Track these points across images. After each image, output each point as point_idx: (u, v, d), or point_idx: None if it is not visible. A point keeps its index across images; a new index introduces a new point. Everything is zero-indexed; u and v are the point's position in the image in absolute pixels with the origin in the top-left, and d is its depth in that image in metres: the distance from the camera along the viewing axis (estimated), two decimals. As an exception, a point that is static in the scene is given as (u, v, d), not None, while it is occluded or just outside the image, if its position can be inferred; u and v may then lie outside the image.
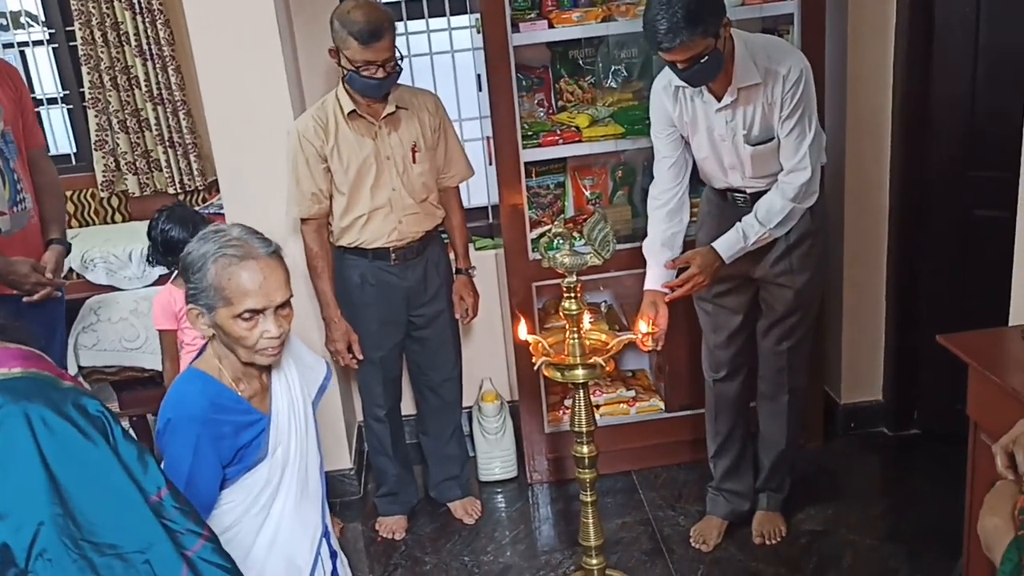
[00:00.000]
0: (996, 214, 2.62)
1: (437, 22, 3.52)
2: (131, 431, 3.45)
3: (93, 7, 3.81)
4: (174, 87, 3.88)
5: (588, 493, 2.53)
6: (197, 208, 3.67)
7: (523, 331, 2.46)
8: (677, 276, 2.59)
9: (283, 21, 2.99)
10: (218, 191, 3.43)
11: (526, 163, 3.04)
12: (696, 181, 2.76)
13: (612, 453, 3.18)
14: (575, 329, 2.37)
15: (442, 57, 3.57)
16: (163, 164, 4.01)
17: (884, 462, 3.37)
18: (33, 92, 4.18)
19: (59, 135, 4.30)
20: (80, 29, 3.84)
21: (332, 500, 2.93)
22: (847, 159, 3.20)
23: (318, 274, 2.85)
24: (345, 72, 2.67)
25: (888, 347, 3.38)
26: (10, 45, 4.06)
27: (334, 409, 3.24)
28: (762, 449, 2.96)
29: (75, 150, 4.21)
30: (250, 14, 2.84)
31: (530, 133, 3.04)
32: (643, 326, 2.53)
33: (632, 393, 3.38)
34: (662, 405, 3.33)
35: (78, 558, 1.17)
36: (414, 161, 2.81)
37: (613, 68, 3.20)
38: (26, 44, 4.09)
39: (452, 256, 3.07)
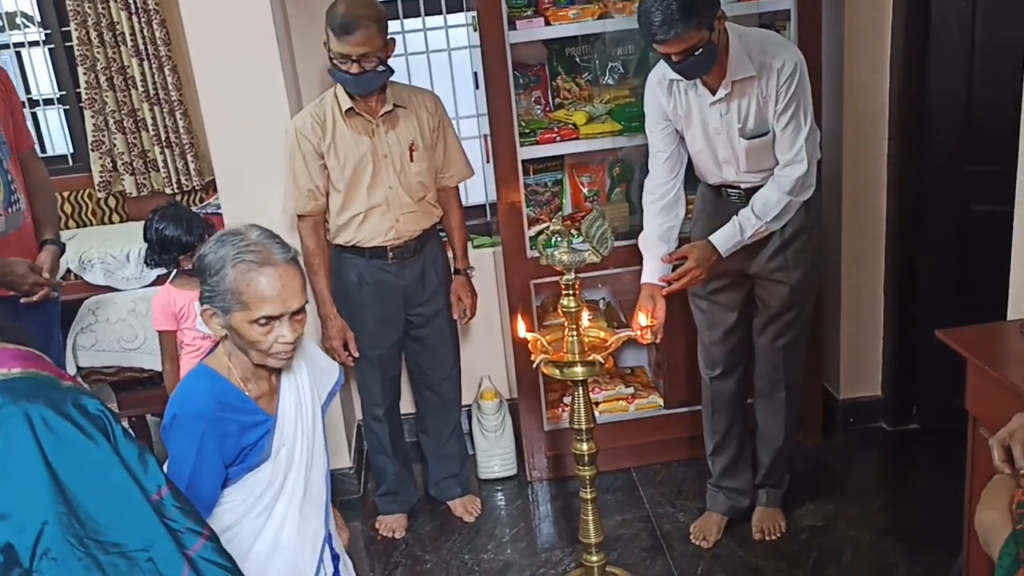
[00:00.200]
0: (993, 208, 2.62)
1: (434, 20, 3.52)
2: (130, 431, 3.45)
3: (89, 7, 3.80)
4: (170, 87, 3.88)
5: (588, 490, 2.53)
6: (194, 208, 3.67)
7: (522, 329, 2.46)
8: (674, 270, 2.59)
9: (279, 20, 2.98)
10: (215, 191, 3.43)
11: (523, 161, 3.04)
12: (691, 178, 2.76)
13: (611, 450, 3.18)
14: (574, 326, 2.37)
15: (439, 55, 3.56)
16: (160, 164, 4.00)
17: (883, 457, 3.38)
18: (29, 93, 4.17)
19: (56, 136, 4.29)
20: (76, 29, 3.83)
21: (331, 499, 2.92)
22: (845, 155, 3.20)
23: (314, 271, 2.85)
24: (331, 65, 2.68)
25: (887, 342, 3.38)
26: (6, 46, 4.05)
27: (334, 408, 3.24)
28: (760, 446, 2.96)
29: (72, 151, 4.21)
30: (246, 13, 2.84)
31: (527, 131, 3.04)
32: (642, 319, 2.53)
33: (631, 390, 3.38)
34: (661, 402, 3.33)
35: (83, 556, 1.16)
36: (411, 160, 2.80)
37: (610, 65, 3.20)
38: (22, 45, 4.08)
39: (451, 256, 3.07)
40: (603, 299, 3.49)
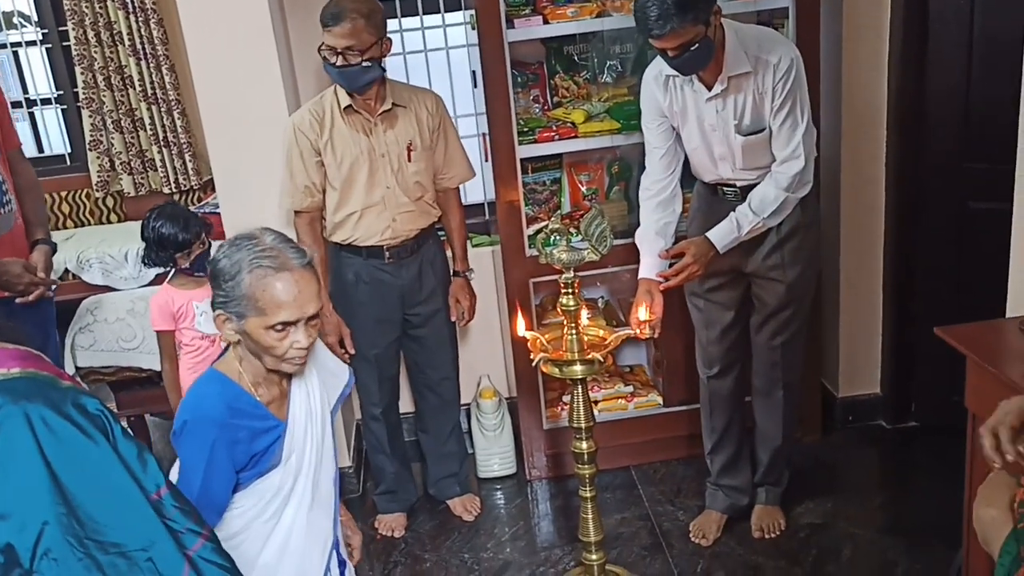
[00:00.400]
0: (992, 206, 2.62)
1: (432, 19, 3.52)
2: (129, 431, 3.45)
3: (86, 7, 3.79)
4: (168, 86, 3.87)
5: (587, 489, 2.54)
6: (192, 207, 3.66)
7: (521, 327, 2.46)
8: (671, 267, 2.59)
9: (277, 19, 2.98)
10: (213, 190, 3.43)
11: (522, 159, 3.04)
12: (688, 176, 2.76)
13: (611, 448, 3.18)
14: (573, 325, 2.37)
15: (437, 54, 3.56)
16: (158, 164, 4.00)
17: (882, 455, 3.38)
18: (27, 93, 4.17)
19: (53, 136, 4.28)
20: (73, 29, 3.83)
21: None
22: (843, 153, 3.21)
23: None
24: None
25: (885, 340, 3.38)
26: (3, 46, 4.04)
27: (332, 407, 3.23)
28: (759, 444, 2.96)
29: (70, 150, 4.20)
30: (244, 12, 2.83)
31: (526, 129, 3.03)
32: (642, 313, 2.53)
33: (630, 388, 3.38)
34: (660, 400, 3.33)
35: (83, 556, 1.16)
36: (409, 160, 2.80)
37: (608, 63, 3.20)
38: (19, 44, 4.08)
39: (450, 256, 3.06)
40: (602, 297, 3.49)
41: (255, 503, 1.73)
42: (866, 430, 3.46)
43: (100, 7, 3.80)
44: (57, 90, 4.12)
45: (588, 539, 2.59)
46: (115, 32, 3.84)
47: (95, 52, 3.86)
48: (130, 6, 3.78)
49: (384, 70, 2.71)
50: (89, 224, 4.12)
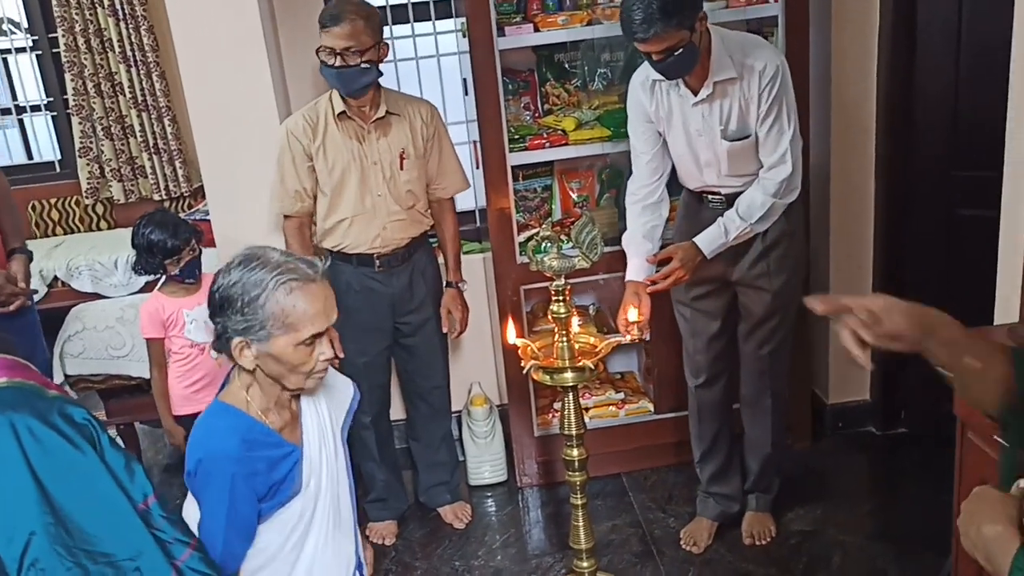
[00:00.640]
0: (980, 213, 2.64)
1: (423, 26, 3.52)
2: (118, 439, 3.44)
3: (76, 14, 3.79)
4: (158, 93, 3.87)
5: (578, 496, 2.53)
6: (182, 214, 3.66)
7: (512, 335, 2.46)
8: (658, 271, 2.59)
9: (268, 26, 2.98)
10: (203, 197, 3.42)
11: (513, 166, 3.04)
12: (674, 185, 2.77)
13: (601, 455, 3.18)
14: (564, 332, 2.37)
15: (428, 61, 3.57)
16: (148, 171, 4.00)
17: (872, 462, 3.39)
18: (16, 99, 4.16)
19: (43, 142, 4.28)
20: (63, 36, 3.82)
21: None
22: (832, 160, 3.22)
23: None
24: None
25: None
26: (-8, 52, 4.04)
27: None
28: (748, 452, 2.96)
29: (59, 157, 4.19)
30: (235, 20, 2.84)
31: (516, 137, 3.04)
32: (631, 314, 2.54)
33: (621, 395, 3.38)
34: (651, 407, 3.34)
35: (73, 566, 1.16)
36: (401, 168, 2.80)
37: (599, 71, 3.21)
38: (9, 51, 4.07)
39: (443, 266, 3.06)
40: (593, 304, 3.49)
41: (278, 534, 1.67)
42: (856, 437, 3.46)
43: (90, 14, 3.81)
44: (47, 97, 4.11)
45: (579, 546, 2.58)
46: (105, 39, 3.84)
47: (85, 59, 3.86)
48: (120, 13, 3.78)
49: (381, 74, 2.72)
50: (78, 231, 4.12)
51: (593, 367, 2.36)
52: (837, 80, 3.15)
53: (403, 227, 2.85)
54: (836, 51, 3.12)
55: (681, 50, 2.31)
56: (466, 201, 3.59)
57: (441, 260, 3.06)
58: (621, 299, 2.61)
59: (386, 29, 3.37)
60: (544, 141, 3.04)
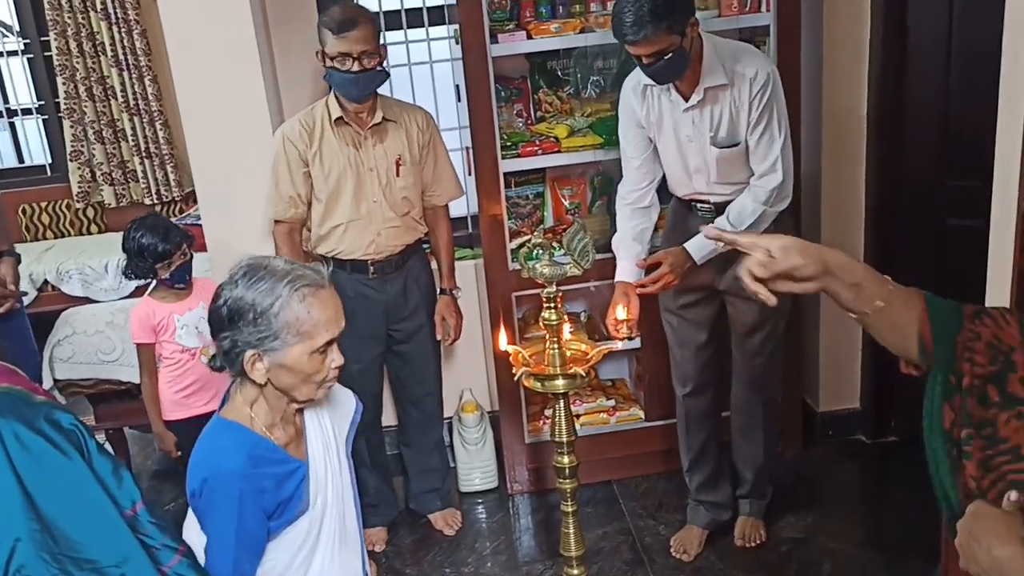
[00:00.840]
0: (969, 223, 2.65)
1: (416, 33, 3.53)
2: (107, 444, 3.42)
3: (68, 17, 3.78)
4: (150, 97, 3.87)
5: (569, 503, 2.53)
6: (174, 219, 3.65)
7: (503, 341, 2.45)
8: (647, 275, 2.60)
9: (261, 32, 2.98)
10: (195, 201, 3.41)
11: (505, 173, 3.04)
12: (663, 193, 2.77)
13: (592, 463, 3.18)
14: (555, 339, 2.37)
15: (421, 68, 3.57)
16: (139, 175, 3.99)
17: (862, 469, 3.40)
18: (7, 103, 4.14)
19: (34, 146, 4.26)
20: (55, 39, 3.81)
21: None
22: (823, 169, 3.23)
23: None
24: (326, 71, 2.67)
25: (865, 355, 3.41)
26: (-16, 55, 4.02)
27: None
28: (739, 460, 2.97)
29: (50, 161, 4.18)
30: (227, 24, 2.83)
31: (509, 143, 3.04)
32: (620, 312, 2.54)
33: (612, 403, 3.38)
34: (642, 414, 3.34)
35: (58, 573, 1.15)
36: (397, 175, 2.80)
37: (591, 79, 3.22)
38: (0, 55, 4.06)
39: (437, 274, 3.06)
40: (584, 312, 3.50)
41: (285, 552, 1.64)
42: (846, 444, 3.47)
43: (83, 18, 3.80)
44: (38, 100, 4.10)
45: (569, 553, 2.57)
46: (98, 43, 3.83)
47: (77, 63, 3.85)
48: (113, 17, 3.78)
49: (388, 74, 2.72)
50: (69, 235, 4.10)
51: (584, 374, 2.36)
52: (828, 88, 3.16)
53: (398, 234, 2.85)
54: (828, 60, 3.13)
55: (671, 54, 2.33)
56: (458, 207, 3.59)
57: (434, 266, 3.06)
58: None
59: (379, 35, 3.38)
60: (536, 148, 3.04)
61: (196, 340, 2.76)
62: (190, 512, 1.64)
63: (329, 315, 1.58)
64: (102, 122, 3.89)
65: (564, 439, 2.46)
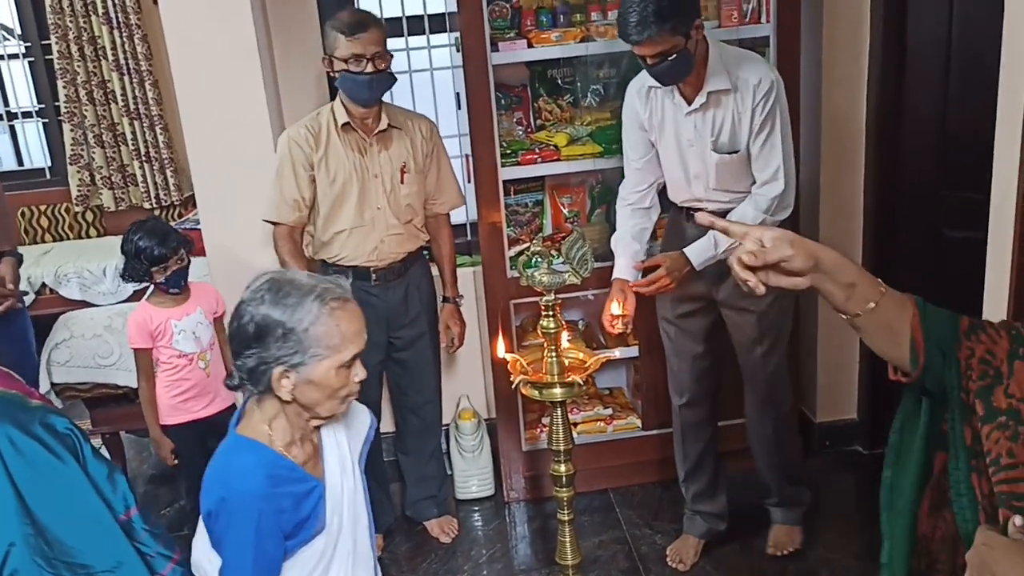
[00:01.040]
0: (967, 234, 2.66)
1: (417, 40, 3.54)
2: (103, 449, 3.41)
3: (70, 21, 3.79)
4: (151, 102, 3.87)
5: (565, 512, 2.53)
6: (173, 223, 3.65)
7: (501, 349, 2.45)
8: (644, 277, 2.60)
9: (262, 37, 2.98)
10: (194, 206, 3.42)
11: (505, 181, 3.05)
12: (663, 199, 2.77)
13: (589, 471, 3.17)
14: (553, 347, 2.37)
15: (421, 75, 3.58)
16: (139, 179, 3.99)
17: (859, 480, 3.39)
18: (8, 106, 4.15)
19: (34, 149, 4.26)
20: (57, 43, 3.82)
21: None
22: (822, 179, 3.24)
23: (287, 266, 2.76)
24: (336, 76, 2.67)
25: (862, 366, 3.41)
26: (-15, 58, 4.03)
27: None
28: (761, 469, 2.92)
29: (50, 164, 4.18)
30: (229, 29, 2.84)
31: (509, 151, 3.05)
32: (615, 307, 2.54)
33: (609, 411, 3.38)
34: (639, 423, 3.34)
35: None
36: (402, 182, 2.81)
37: (592, 87, 3.22)
38: (1, 57, 4.06)
39: (441, 282, 3.06)
40: (582, 320, 3.50)
41: (299, 573, 1.62)
42: (843, 455, 3.47)
43: (84, 22, 3.80)
44: (39, 103, 4.11)
45: (565, 562, 2.57)
46: (99, 47, 3.84)
47: (78, 66, 3.85)
48: (114, 21, 3.78)
49: (396, 79, 2.74)
50: (67, 239, 4.10)
51: (582, 382, 2.36)
52: (827, 98, 3.17)
53: (400, 241, 2.85)
54: (827, 70, 3.14)
55: (675, 55, 2.33)
56: (457, 215, 3.58)
57: (434, 273, 3.06)
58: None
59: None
60: (536, 156, 3.05)
61: (193, 345, 2.76)
62: (200, 529, 1.60)
63: (356, 328, 1.57)
64: (102, 126, 3.89)
65: (561, 447, 2.46)
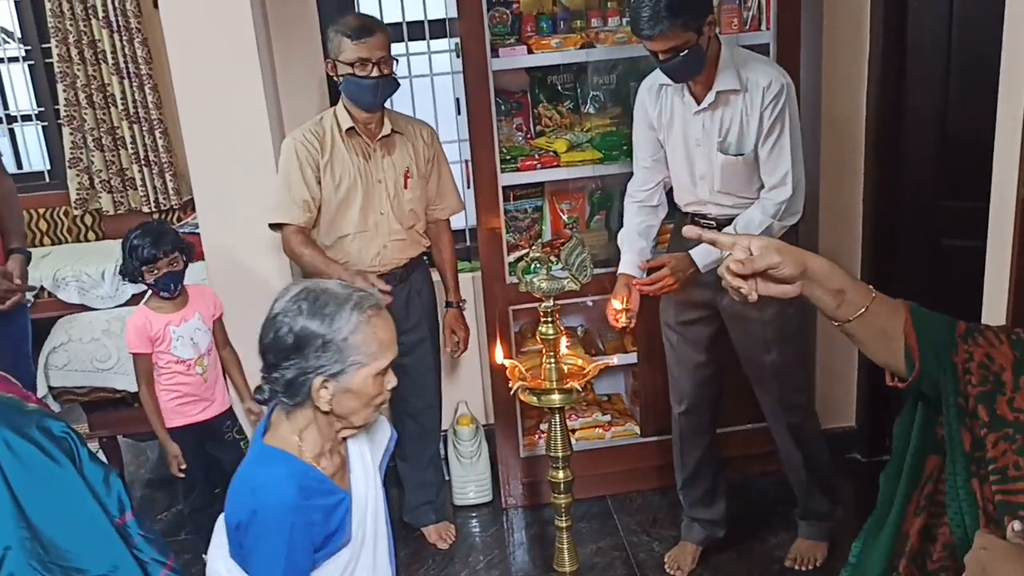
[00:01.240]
0: (966, 243, 2.65)
1: (417, 45, 3.54)
2: (100, 453, 3.41)
3: (70, 24, 3.79)
4: (150, 105, 3.86)
5: (563, 518, 2.52)
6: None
7: (500, 355, 2.45)
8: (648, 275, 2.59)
9: (262, 41, 2.98)
10: (193, 210, 3.41)
11: (504, 187, 3.05)
12: (668, 206, 2.77)
13: (587, 478, 3.17)
14: (552, 353, 2.36)
15: (421, 80, 3.58)
16: (138, 183, 3.98)
17: (858, 488, 3.38)
18: (7, 109, 4.14)
19: (33, 152, 4.26)
20: (56, 46, 3.82)
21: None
22: (821, 187, 3.24)
23: (309, 257, 2.70)
24: (341, 79, 2.67)
25: (861, 374, 3.40)
26: (-15, 61, 4.03)
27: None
28: (790, 477, 2.91)
29: (49, 167, 4.18)
30: (229, 34, 2.84)
31: (508, 157, 3.05)
32: (616, 303, 2.53)
33: (608, 417, 3.38)
34: (637, 430, 3.33)
35: None
36: (406, 187, 2.81)
37: (591, 94, 3.23)
38: (1, 61, 4.06)
39: (443, 289, 3.06)
40: (581, 326, 3.49)
41: None
42: (842, 463, 3.45)
43: (84, 25, 3.80)
44: (38, 107, 4.10)
45: (563, 569, 2.57)
46: (98, 50, 3.84)
47: (78, 70, 3.85)
48: (114, 25, 3.78)
49: (400, 84, 2.75)
50: (66, 242, 4.09)
51: (580, 389, 2.36)
52: (827, 109, 3.17)
53: (403, 247, 2.85)
54: (826, 78, 3.14)
55: (687, 51, 2.33)
56: (456, 220, 3.59)
57: (435, 279, 3.06)
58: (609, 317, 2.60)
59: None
60: (536, 162, 3.05)
61: (191, 351, 2.75)
62: (217, 538, 1.59)
63: (391, 336, 1.59)
64: (101, 129, 3.89)
65: (559, 454, 2.45)
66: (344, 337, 1.53)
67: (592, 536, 3.14)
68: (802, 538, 2.94)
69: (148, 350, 2.72)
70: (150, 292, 2.76)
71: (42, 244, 4.05)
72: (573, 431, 3.25)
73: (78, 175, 3.97)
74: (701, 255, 2.53)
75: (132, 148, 3.94)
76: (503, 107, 3.16)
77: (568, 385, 2.35)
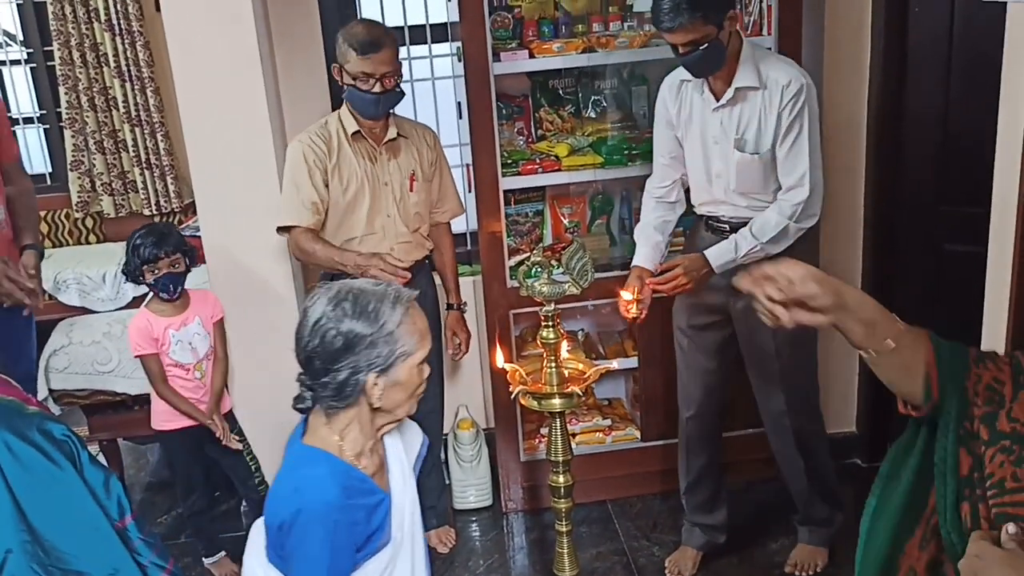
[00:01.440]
0: (968, 249, 2.66)
1: (419, 49, 3.54)
2: (101, 456, 3.40)
3: (72, 27, 3.79)
4: (152, 108, 3.87)
5: (563, 523, 2.52)
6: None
7: (500, 359, 2.45)
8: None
9: (264, 45, 2.99)
10: (194, 213, 3.41)
11: (505, 191, 3.05)
12: (684, 214, 2.77)
13: (587, 482, 3.16)
14: (552, 357, 2.36)
15: (423, 84, 3.59)
16: (139, 185, 3.98)
17: (858, 493, 3.34)
18: (9, 111, 4.14)
19: (35, 155, 4.26)
20: (59, 49, 3.82)
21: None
22: (824, 192, 3.23)
23: (322, 251, 2.69)
24: (345, 88, 2.67)
25: (862, 379, 3.40)
26: (-13, 64, 4.03)
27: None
28: (789, 484, 2.91)
29: (51, 170, 4.18)
30: (231, 37, 2.84)
31: (509, 161, 3.05)
32: (626, 294, 2.53)
33: (608, 422, 3.37)
34: (638, 434, 3.33)
35: None
36: (411, 190, 2.81)
37: (593, 98, 3.23)
38: (3, 63, 4.07)
39: (444, 291, 3.06)
40: (582, 330, 3.49)
41: None
42: (842, 468, 3.44)
43: (86, 28, 3.80)
44: (40, 109, 4.11)
45: (563, 573, 2.57)
46: (100, 53, 3.84)
47: (80, 72, 3.85)
48: (116, 28, 3.78)
49: (404, 94, 2.74)
50: (67, 244, 4.09)
51: (581, 393, 2.36)
52: (828, 113, 3.17)
53: (408, 250, 2.85)
54: (827, 80, 3.14)
55: (707, 45, 2.34)
56: (457, 224, 3.58)
57: (438, 282, 3.06)
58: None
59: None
60: (537, 166, 3.05)
61: (190, 356, 2.75)
62: (254, 540, 1.59)
63: (426, 324, 1.62)
64: (103, 132, 3.89)
65: (560, 458, 2.45)
66: (391, 331, 1.55)
67: (592, 540, 3.14)
68: (802, 544, 2.94)
69: (154, 350, 2.72)
70: (151, 294, 2.76)
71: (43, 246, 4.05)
72: (573, 435, 3.25)
73: (79, 178, 3.98)
74: (716, 255, 2.53)
75: (133, 151, 3.94)
76: (504, 111, 3.17)
77: (569, 389, 2.36)
